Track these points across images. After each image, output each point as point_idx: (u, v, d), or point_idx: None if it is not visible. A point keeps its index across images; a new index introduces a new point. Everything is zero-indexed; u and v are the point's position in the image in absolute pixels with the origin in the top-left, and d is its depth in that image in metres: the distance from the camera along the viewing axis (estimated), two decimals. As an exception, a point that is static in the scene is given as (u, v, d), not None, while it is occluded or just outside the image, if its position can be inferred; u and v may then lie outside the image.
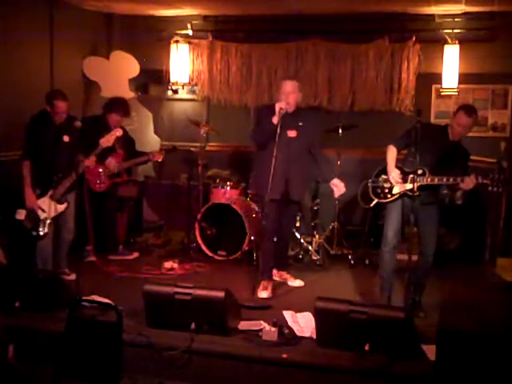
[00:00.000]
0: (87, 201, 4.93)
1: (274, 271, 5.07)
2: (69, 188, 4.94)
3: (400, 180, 4.41)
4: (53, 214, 4.88)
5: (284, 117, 4.56)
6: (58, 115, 4.86)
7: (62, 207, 4.92)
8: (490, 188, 4.18)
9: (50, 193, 4.88)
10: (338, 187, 4.83)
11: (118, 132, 5.16)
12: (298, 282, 5.10)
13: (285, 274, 5.18)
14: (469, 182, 4.19)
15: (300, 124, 4.74)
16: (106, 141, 5.10)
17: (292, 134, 4.73)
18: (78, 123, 4.72)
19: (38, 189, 4.87)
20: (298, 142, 4.75)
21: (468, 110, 4.33)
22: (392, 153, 4.52)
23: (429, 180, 4.30)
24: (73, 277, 4.85)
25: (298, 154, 4.75)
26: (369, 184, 4.63)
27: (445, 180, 4.29)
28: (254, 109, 6.86)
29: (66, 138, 4.87)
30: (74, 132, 4.89)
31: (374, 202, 4.56)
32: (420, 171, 4.32)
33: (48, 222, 4.85)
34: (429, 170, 4.28)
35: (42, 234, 4.82)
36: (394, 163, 4.48)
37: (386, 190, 4.53)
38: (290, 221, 5.15)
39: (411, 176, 4.32)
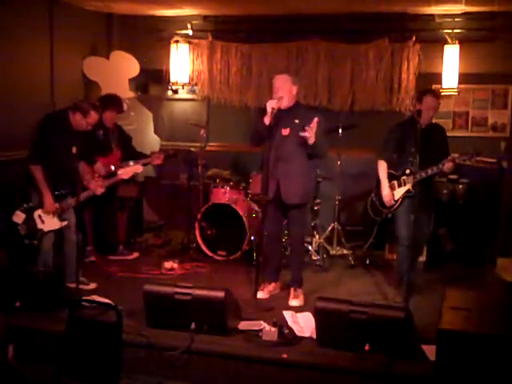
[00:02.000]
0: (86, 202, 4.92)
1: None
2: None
3: (392, 201, 4.76)
4: (50, 228, 4.71)
5: (279, 114, 4.39)
6: (83, 125, 4.75)
7: (61, 224, 4.75)
8: (468, 161, 4.64)
9: (56, 205, 4.72)
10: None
11: (138, 170, 5.24)
12: (294, 302, 4.60)
13: (292, 291, 4.71)
14: (449, 164, 4.55)
15: (296, 121, 4.49)
16: (125, 173, 5.14)
17: (285, 132, 4.51)
18: (100, 133, 4.69)
19: (39, 196, 4.68)
20: (291, 141, 4.48)
21: (435, 93, 4.85)
22: (384, 169, 4.82)
23: (417, 176, 4.60)
24: (93, 286, 4.80)
25: (290, 154, 4.50)
26: (373, 198, 4.97)
27: (429, 171, 4.59)
28: (253, 109, 6.83)
29: (74, 149, 4.78)
30: (82, 143, 4.82)
31: (385, 214, 4.88)
32: (408, 171, 4.68)
33: (42, 233, 4.68)
34: (420, 163, 4.43)
35: (34, 244, 4.67)
36: (387, 180, 4.79)
37: None
38: (295, 229, 4.72)
39: (403, 178, 4.72)
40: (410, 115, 5.02)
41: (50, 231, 4.72)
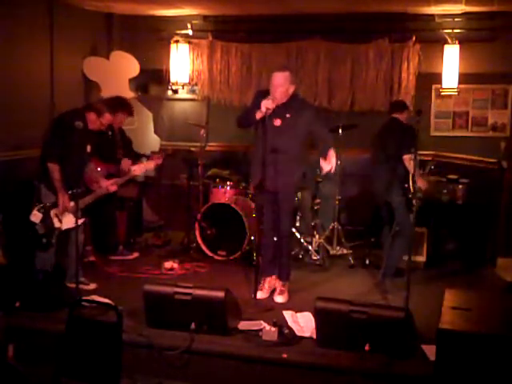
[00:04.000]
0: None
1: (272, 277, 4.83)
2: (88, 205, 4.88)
3: None
4: (67, 227, 4.72)
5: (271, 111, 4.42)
6: (97, 125, 4.84)
7: (78, 222, 4.66)
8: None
9: (71, 204, 4.73)
10: (326, 162, 4.51)
11: (150, 167, 5.40)
12: (279, 299, 4.67)
13: (279, 286, 4.78)
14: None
15: (287, 115, 4.54)
16: (138, 169, 5.22)
17: (277, 122, 4.54)
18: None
19: (53, 195, 4.69)
20: (283, 133, 4.52)
21: None
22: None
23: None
24: (93, 286, 4.81)
25: (282, 145, 4.51)
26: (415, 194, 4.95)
27: None
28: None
29: (88, 148, 4.81)
30: (96, 142, 4.90)
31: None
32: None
33: (60, 232, 4.71)
34: None
35: (52, 243, 4.69)
36: None
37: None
38: (285, 221, 4.73)
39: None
40: (393, 118, 5.32)
41: (66, 229, 4.74)
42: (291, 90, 4.58)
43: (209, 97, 7.19)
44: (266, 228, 4.79)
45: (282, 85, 4.51)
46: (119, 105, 5.66)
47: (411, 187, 4.89)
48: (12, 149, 5.54)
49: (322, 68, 6.77)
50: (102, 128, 4.93)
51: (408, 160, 4.91)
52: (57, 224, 4.71)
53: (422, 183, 5.01)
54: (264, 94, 4.55)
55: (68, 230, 4.76)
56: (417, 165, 4.61)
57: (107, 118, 4.87)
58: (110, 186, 5.12)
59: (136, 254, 5.94)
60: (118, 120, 5.63)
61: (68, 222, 4.71)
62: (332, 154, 4.52)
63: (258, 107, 4.44)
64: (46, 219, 4.68)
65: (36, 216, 4.67)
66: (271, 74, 4.63)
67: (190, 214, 6.07)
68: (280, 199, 4.69)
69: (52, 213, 4.71)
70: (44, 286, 4.22)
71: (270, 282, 4.83)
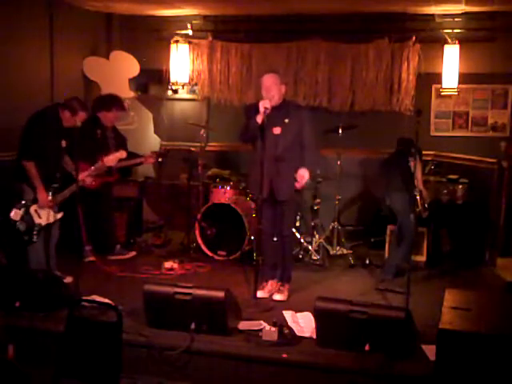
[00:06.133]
0: (79, 200, 4.92)
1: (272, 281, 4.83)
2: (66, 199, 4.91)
3: None
4: (47, 222, 4.80)
5: (269, 113, 4.43)
6: (71, 123, 4.84)
7: (57, 216, 4.86)
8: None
9: (50, 199, 4.79)
10: (300, 177, 4.54)
11: (122, 155, 5.29)
12: (278, 296, 4.69)
13: (279, 286, 4.80)
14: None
15: (286, 121, 4.57)
16: (111, 161, 5.22)
17: (277, 130, 4.57)
18: (78, 123, 4.72)
19: (34, 192, 4.75)
20: (284, 140, 4.56)
21: None
22: None
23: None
24: (69, 279, 4.80)
25: (284, 152, 4.56)
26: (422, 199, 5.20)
27: None
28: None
29: (63, 143, 4.86)
30: (69, 137, 4.91)
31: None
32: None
33: (40, 228, 4.77)
34: None
35: (33, 239, 4.75)
36: None
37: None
38: (287, 225, 4.77)
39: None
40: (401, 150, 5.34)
41: (47, 224, 4.80)
42: (283, 89, 4.64)
43: (209, 97, 7.20)
44: (266, 233, 4.78)
45: (274, 83, 4.56)
46: (112, 101, 5.65)
47: (419, 203, 5.02)
48: (13, 149, 5.53)
49: (322, 68, 6.77)
50: (78, 124, 4.86)
51: (412, 162, 4.94)
52: (37, 220, 4.77)
53: (424, 192, 5.16)
54: (253, 106, 4.58)
55: (48, 226, 4.82)
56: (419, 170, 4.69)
57: (81, 115, 4.88)
58: (83, 178, 5.04)
59: (133, 253, 5.93)
60: (112, 117, 5.63)
61: (47, 217, 4.79)
62: (303, 172, 4.53)
63: (254, 117, 4.45)
64: (27, 216, 4.74)
65: (16, 214, 4.74)
66: (261, 78, 4.66)
67: (189, 214, 6.07)
68: (284, 205, 4.69)
69: (32, 209, 4.77)
70: (44, 286, 4.22)
71: (271, 284, 4.83)
